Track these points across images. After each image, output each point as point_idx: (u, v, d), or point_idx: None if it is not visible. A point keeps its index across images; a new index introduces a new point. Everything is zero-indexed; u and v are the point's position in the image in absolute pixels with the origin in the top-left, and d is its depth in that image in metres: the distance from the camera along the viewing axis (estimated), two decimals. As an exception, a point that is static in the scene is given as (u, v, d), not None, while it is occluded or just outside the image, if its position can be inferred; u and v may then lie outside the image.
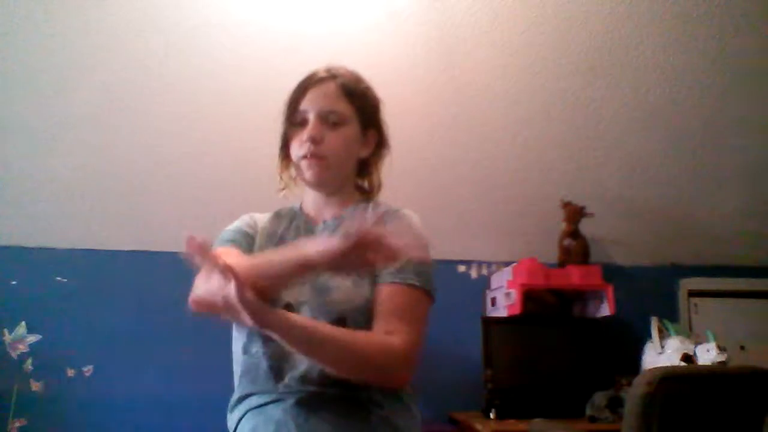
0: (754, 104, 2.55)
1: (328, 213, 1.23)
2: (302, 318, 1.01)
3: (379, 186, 1.31)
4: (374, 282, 1.10)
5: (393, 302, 1.07)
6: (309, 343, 0.97)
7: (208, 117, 2.39)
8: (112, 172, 2.48)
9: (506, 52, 2.38)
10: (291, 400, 1.02)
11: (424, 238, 1.16)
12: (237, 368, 1.16)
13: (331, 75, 1.22)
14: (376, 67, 2.37)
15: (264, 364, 1.07)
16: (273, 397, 1.05)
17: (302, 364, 1.04)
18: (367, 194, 1.30)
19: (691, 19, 2.33)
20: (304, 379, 1.04)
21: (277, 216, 1.26)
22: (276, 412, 1.03)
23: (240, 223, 1.24)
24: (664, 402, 1.52)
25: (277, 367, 1.06)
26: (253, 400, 1.08)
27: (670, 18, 2.33)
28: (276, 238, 1.19)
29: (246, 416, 1.07)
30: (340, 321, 1.04)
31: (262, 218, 1.26)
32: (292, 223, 1.23)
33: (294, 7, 2.26)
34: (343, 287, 1.08)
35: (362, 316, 1.07)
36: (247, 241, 1.18)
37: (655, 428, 1.52)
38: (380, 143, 1.29)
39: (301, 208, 1.27)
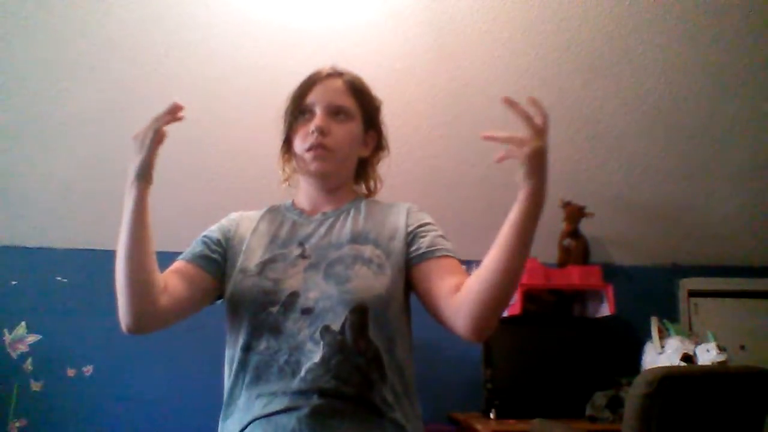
0: (754, 104, 2.55)
1: (326, 208, 1.21)
2: None
3: (377, 188, 1.31)
4: (413, 258, 1.12)
5: (460, 268, 1.13)
6: (532, 232, 0.99)
7: (209, 116, 2.39)
8: (112, 172, 2.47)
9: (506, 52, 2.38)
10: (306, 409, 0.99)
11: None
12: (234, 370, 1.09)
13: (338, 72, 1.22)
14: (377, 67, 2.38)
15: (280, 359, 1.03)
16: (285, 404, 1.00)
17: (316, 354, 1.01)
18: (365, 196, 1.29)
19: (691, 20, 2.33)
20: (322, 365, 1.01)
21: (270, 213, 1.24)
22: (289, 421, 0.99)
23: (210, 230, 1.21)
24: (664, 402, 1.52)
25: (295, 361, 1.02)
26: (257, 408, 1.02)
27: (670, 18, 2.33)
28: (268, 236, 1.17)
29: (251, 425, 1.02)
30: (361, 309, 1.03)
31: (251, 217, 1.23)
32: (285, 219, 1.21)
33: (294, 6, 2.26)
34: (363, 275, 1.07)
35: (383, 304, 1.06)
36: (206, 251, 1.15)
37: (655, 428, 1.52)
38: (379, 145, 1.28)
39: (293, 204, 1.25)
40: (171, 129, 1.07)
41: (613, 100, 2.51)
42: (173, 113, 1.03)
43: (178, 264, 1.15)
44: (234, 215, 1.25)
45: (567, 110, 2.51)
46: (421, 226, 1.16)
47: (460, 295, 1.04)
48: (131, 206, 1.02)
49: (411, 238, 1.14)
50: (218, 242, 1.18)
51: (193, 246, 1.18)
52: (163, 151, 1.05)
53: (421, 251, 1.12)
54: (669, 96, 2.51)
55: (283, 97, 1.25)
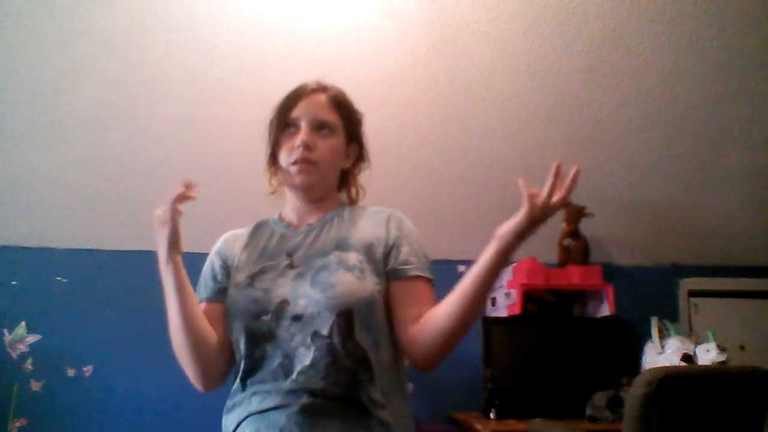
0: (754, 104, 2.55)
1: (312, 218, 1.26)
2: None
3: (359, 196, 1.35)
4: (387, 273, 1.16)
5: (427, 294, 1.18)
6: (491, 286, 1.09)
7: (209, 117, 2.39)
8: (112, 172, 2.48)
9: (506, 52, 2.38)
10: (295, 407, 1.04)
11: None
12: (238, 374, 1.15)
13: (322, 88, 1.27)
14: (377, 67, 2.38)
15: (275, 363, 1.09)
16: (277, 401, 1.06)
17: (307, 357, 1.06)
18: (348, 203, 1.35)
19: (691, 20, 2.33)
20: (312, 368, 1.05)
21: (257, 228, 1.29)
22: (279, 418, 1.04)
23: (211, 261, 1.26)
24: (664, 402, 1.52)
25: (288, 364, 1.07)
26: (254, 405, 1.08)
27: (670, 18, 2.33)
28: (258, 250, 1.23)
29: (246, 420, 1.08)
30: (347, 313, 1.08)
31: (241, 234, 1.29)
32: (274, 233, 1.26)
33: (294, 7, 2.26)
34: (347, 281, 1.11)
35: (368, 309, 1.11)
36: (219, 284, 1.22)
37: (655, 428, 1.52)
38: (360, 156, 1.34)
39: (280, 218, 1.30)
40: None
41: (613, 100, 2.51)
42: (187, 187, 1.11)
43: (203, 309, 1.20)
44: (225, 236, 1.30)
45: (567, 110, 2.51)
46: (399, 237, 1.19)
47: (416, 329, 1.11)
48: (172, 279, 1.10)
49: (389, 249, 1.18)
50: (222, 267, 1.24)
51: (204, 284, 1.24)
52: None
53: (393, 267, 1.16)
54: (669, 96, 2.50)
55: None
